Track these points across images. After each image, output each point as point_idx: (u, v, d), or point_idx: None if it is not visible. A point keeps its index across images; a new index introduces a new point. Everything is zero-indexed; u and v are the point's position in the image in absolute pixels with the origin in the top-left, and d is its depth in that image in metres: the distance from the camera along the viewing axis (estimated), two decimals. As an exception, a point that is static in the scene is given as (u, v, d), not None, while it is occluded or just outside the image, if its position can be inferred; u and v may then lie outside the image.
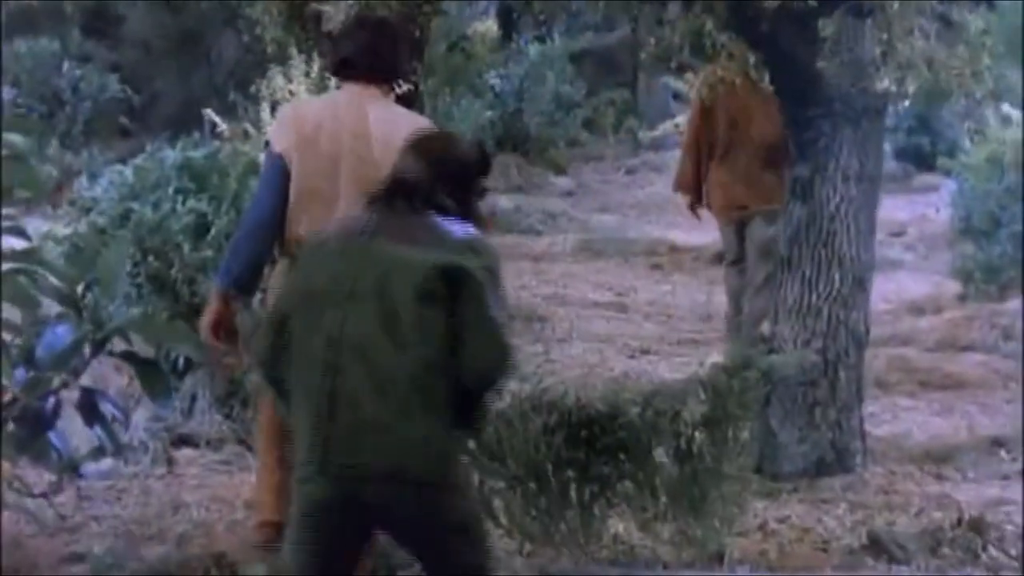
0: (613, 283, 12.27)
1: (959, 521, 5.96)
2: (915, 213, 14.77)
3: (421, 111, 7.49)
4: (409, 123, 4.86)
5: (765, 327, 7.04)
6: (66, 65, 18.47)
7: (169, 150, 7.88)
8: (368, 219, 3.99)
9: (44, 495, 3.02)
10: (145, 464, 6.91)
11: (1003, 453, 7.28)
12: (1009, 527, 6.05)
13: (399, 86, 5.46)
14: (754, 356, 5.95)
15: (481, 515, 4.13)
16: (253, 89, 10.60)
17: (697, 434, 5.67)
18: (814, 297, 6.86)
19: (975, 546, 5.83)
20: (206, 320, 4.98)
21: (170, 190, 7.51)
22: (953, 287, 11.09)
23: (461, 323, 3.79)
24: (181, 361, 7.14)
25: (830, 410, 6.85)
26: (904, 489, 6.71)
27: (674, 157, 17.27)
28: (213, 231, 7.36)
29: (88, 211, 7.71)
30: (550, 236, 14.36)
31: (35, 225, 6.82)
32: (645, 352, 9.70)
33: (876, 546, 5.92)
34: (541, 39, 19.72)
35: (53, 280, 2.70)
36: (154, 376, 2.80)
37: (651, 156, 19.32)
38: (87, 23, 19.99)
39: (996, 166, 10.76)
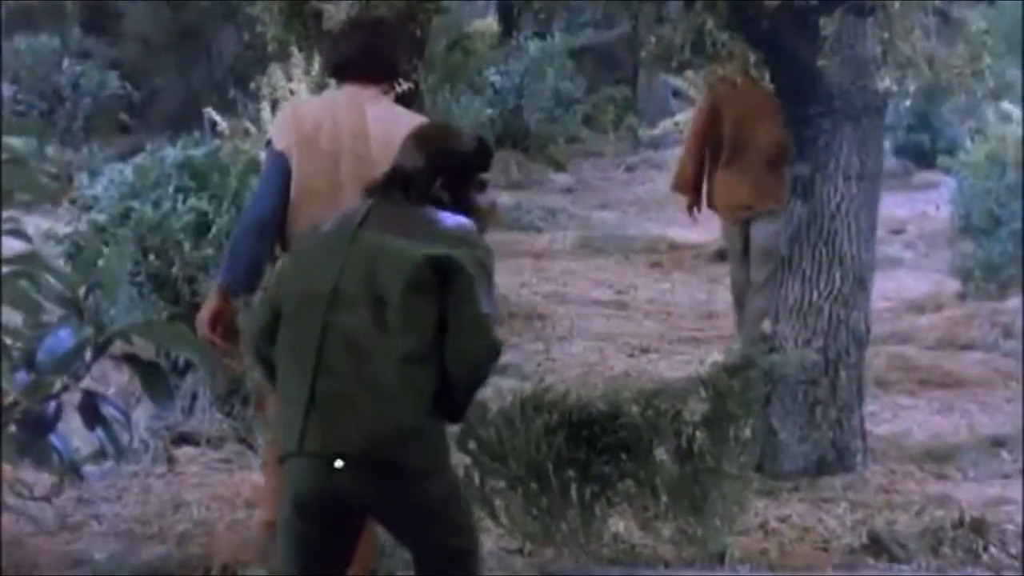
0: (613, 281, 12.28)
1: (960, 521, 5.95)
2: (915, 211, 14.77)
3: (421, 108, 7.49)
4: (408, 122, 4.87)
5: (766, 326, 7.04)
6: (66, 62, 18.47)
7: (169, 148, 7.88)
8: (364, 209, 4.03)
9: (46, 498, 3.02)
10: (146, 463, 6.91)
11: (1004, 453, 7.27)
12: (1010, 526, 6.04)
13: (399, 84, 5.47)
14: (755, 355, 5.95)
15: (464, 499, 4.14)
16: (253, 86, 10.60)
17: (698, 433, 5.67)
18: (815, 296, 6.86)
19: (976, 546, 5.82)
20: (204, 315, 5.00)
21: (170, 188, 7.51)
22: (953, 285, 11.09)
23: (449, 315, 3.83)
24: (181, 360, 7.14)
25: (831, 409, 6.85)
26: (904, 488, 6.71)
27: (674, 155, 17.26)
28: (214, 230, 7.36)
29: (88, 209, 7.70)
30: (550, 233, 14.36)
31: (36, 223, 6.83)
32: (645, 351, 9.69)
33: (877, 545, 5.92)
34: (541, 35, 19.72)
35: (55, 283, 2.69)
36: (156, 378, 2.79)
37: (651, 153, 19.34)
38: (87, 20, 19.99)
39: (996, 164, 10.74)
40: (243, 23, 16.39)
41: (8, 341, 2.65)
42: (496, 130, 17.94)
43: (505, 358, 9.01)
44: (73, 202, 7.91)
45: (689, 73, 13.47)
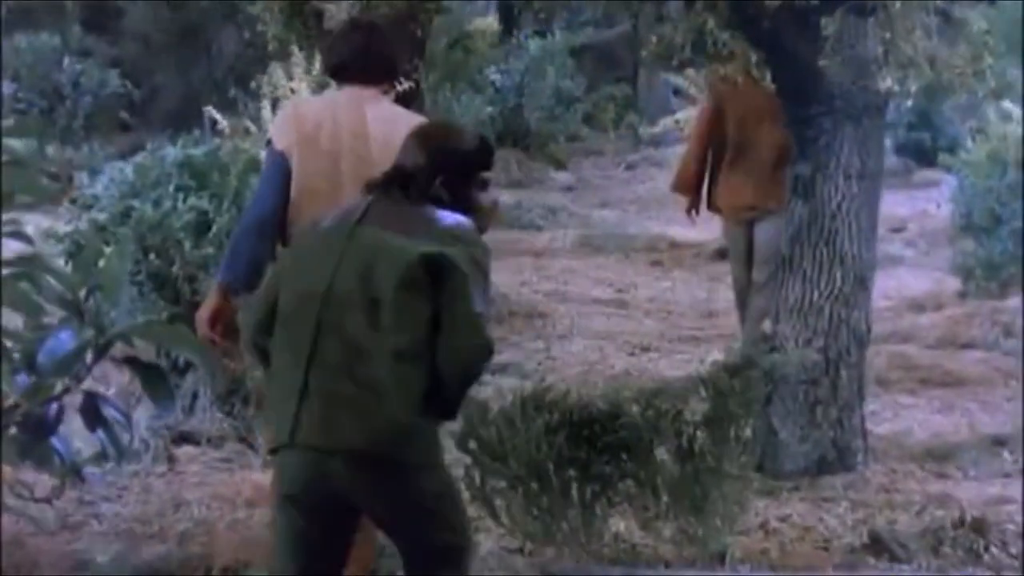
0: (613, 279, 12.28)
1: (961, 520, 5.95)
2: (916, 209, 14.77)
3: (422, 107, 7.50)
4: (408, 122, 4.88)
5: (767, 325, 7.04)
6: (66, 60, 18.46)
7: (170, 147, 7.87)
8: (363, 206, 4.04)
9: (47, 500, 3.02)
10: (146, 462, 6.90)
11: (1005, 452, 7.27)
12: (1010, 526, 6.04)
13: (400, 83, 5.47)
14: (756, 355, 5.95)
15: (457, 496, 4.14)
16: (253, 85, 10.59)
17: (699, 433, 5.68)
18: (815, 295, 6.85)
19: (976, 545, 5.82)
20: (204, 313, 5.01)
21: (171, 188, 7.51)
22: (953, 283, 11.09)
23: (442, 313, 3.84)
24: (182, 359, 7.13)
25: (831, 409, 6.85)
26: (905, 487, 6.70)
27: (674, 153, 17.30)
28: (214, 229, 7.36)
29: (89, 208, 7.70)
30: (550, 232, 14.36)
31: (36, 221, 6.82)
32: (645, 349, 9.69)
33: (877, 545, 5.91)
34: (541, 34, 19.71)
35: (55, 285, 2.69)
36: (157, 380, 2.79)
37: (651, 152, 19.35)
38: (87, 18, 20.00)
39: (997, 163, 10.74)
40: (243, 22, 16.39)
41: (9, 343, 2.65)
42: (496, 128, 17.94)
43: (505, 357, 9.12)
44: (73, 201, 7.91)
45: (690, 71, 13.46)
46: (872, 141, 6.94)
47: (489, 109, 18.00)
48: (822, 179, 6.85)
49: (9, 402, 2.65)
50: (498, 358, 9.04)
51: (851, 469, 6.85)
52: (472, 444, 5.62)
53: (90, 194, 7.76)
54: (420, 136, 4.19)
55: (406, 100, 6.55)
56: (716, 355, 8.53)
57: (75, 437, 3.02)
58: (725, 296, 10.99)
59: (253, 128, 8.73)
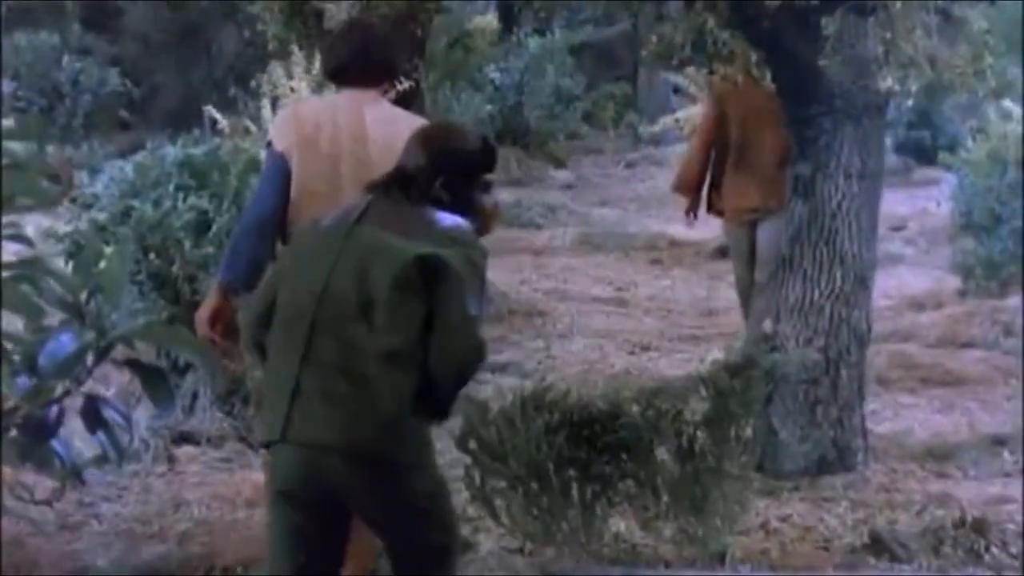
0: (613, 278, 12.27)
1: (961, 520, 5.94)
2: (915, 207, 14.76)
3: (421, 106, 7.50)
4: (408, 124, 4.90)
5: (767, 325, 7.03)
6: (66, 58, 18.47)
7: (170, 147, 7.87)
8: (362, 205, 4.05)
9: (47, 502, 3.02)
10: (146, 462, 6.90)
11: (1005, 451, 7.26)
12: (1010, 526, 6.03)
13: (400, 82, 5.48)
14: (756, 354, 5.94)
15: (447, 497, 4.14)
16: (253, 84, 10.59)
17: (699, 433, 5.67)
18: (816, 295, 6.85)
19: (977, 546, 5.82)
20: (203, 313, 5.01)
21: (171, 187, 7.51)
22: (953, 282, 11.08)
23: (436, 315, 3.85)
24: (182, 359, 7.13)
25: (832, 408, 6.85)
26: (906, 487, 6.70)
27: (674, 151, 17.29)
28: (214, 228, 7.36)
29: (89, 208, 7.70)
30: (550, 230, 14.35)
31: (36, 221, 6.82)
32: (645, 348, 9.69)
33: (878, 545, 5.91)
34: (541, 32, 19.71)
35: (56, 287, 2.69)
36: (158, 382, 2.79)
37: (651, 150, 19.34)
38: (87, 16, 19.99)
39: (997, 162, 10.74)
40: (243, 21, 16.38)
41: (9, 346, 2.65)
42: (496, 127, 17.93)
43: (505, 355, 9.12)
44: (73, 200, 7.90)
45: (690, 70, 13.44)
46: (872, 141, 6.94)
47: (489, 107, 17.99)
48: (822, 179, 6.85)
49: (9, 404, 2.64)
50: (498, 357, 9.07)
51: (851, 469, 6.84)
52: (472, 444, 5.61)
53: (90, 193, 7.76)
54: (422, 137, 4.19)
55: (406, 99, 6.56)
56: (716, 354, 8.52)
57: (75, 437, 3.02)
58: (725, 295, 11.01)
59: (253, 128, 8.73)
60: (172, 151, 7.74)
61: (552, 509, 5.60)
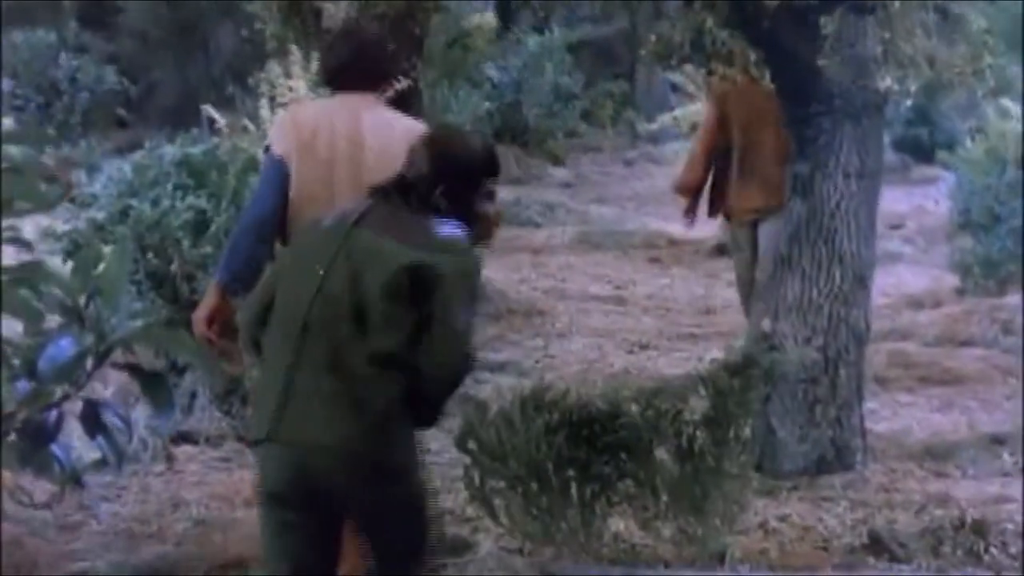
0: (612, 276, 12.26)
1: (960, 521, 5.94)
2: (913, 205, 14.76)
3: (420, 104, 7.49)
4: (404, 127, 4.96)
5: (766, 324, 7.02)
6: (63, 56, 18.45)
7: (168, 146, 7.87)
8: (361, 208, 4.05)
9: (47, 505, 3.02)
10: (144, 461, 6.90)
11: (1003, 451, 7.26)
12: (1009, 526, 6.03)
13: (398, 81, 5.48)
14: (757, 354, 5.94)
15: (427, 496, 4.16)
16: (251, 82, 10.56)
17: (698, 433, 5.67)
18: (815, 294, 6.85)
19: (977, 547, 5.81)
20: (201, 313, 5.03)
21: (169, 187, 7.51)
22: (952, 280, 11.07)
23: (425, 323, 3.85)
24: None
25: (830, 408, 6.84)
26: (904, 487, 6.70)
27: (672, 150, 17.31)
28: (212, 228, 7.36)
29: (87, 207, 7.69)
30: (548, 228, 14.34)
31: (35, 220, 6.80)
32: (644, 347, 9.68)
33: (877, 545, 5.91)
34: (539, 30, 19.69)
35: (55, 291, 2.69)
36: (157, 387, 2.79)
37: (649, 148, 19.34)
38: (84, 14, 19.97)
39: (995, 160, 10.73)
40: (241, 19, 16.36)
41: (8, 350, 2.64)
42: (495, 125, 17.92)
43: (504, 355, 9.12)
44: (72, 200, 7.90)
45: (688, 68, 13.43)
46: (871, 140, 6.93)
47: (487, 105, 17.96)
48: (821, 178, 6.85)
49: (9, 409, 2.64)
50: (496, 356, 9.08)
51: (850, 468, 6.84)
52: (471, 444, 5.61)
53: (88, 193, 7.76)
54: (427, 144, 4.18)
55: (404, 98, 6.55)
56: (715, 352, 8.53)
57: (74, 438, 3.01)
58: (723, 293, 11.01)
59: (251, 127, 8.72)
60: (170, 150, 7.75)
61: (551, 509, 5.60)
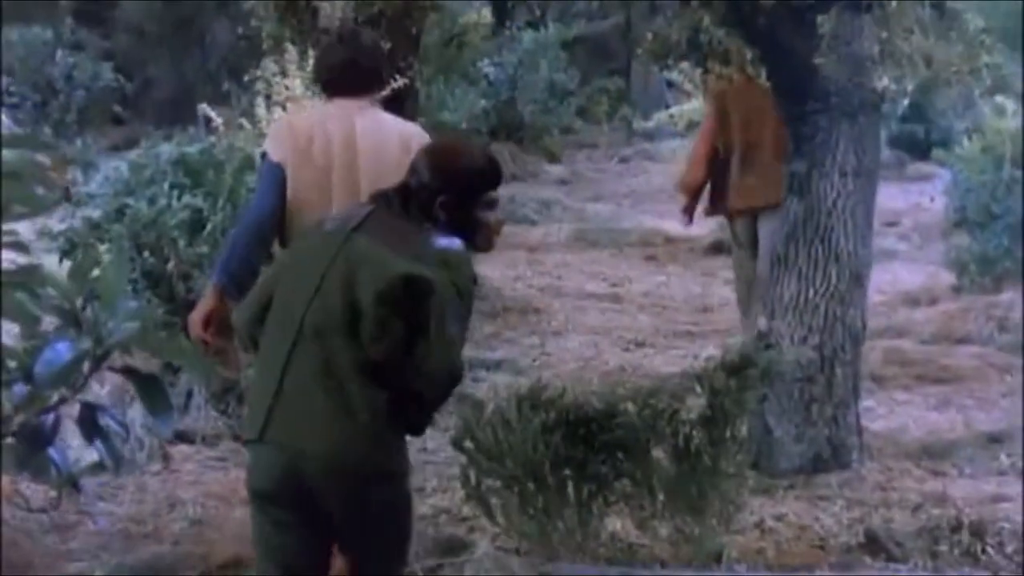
0: (608, 274, 12.26)
1: (957, 520, 5.94)
2: (909, 202, 14.74)
3: (415, 101, 7.49)
4: (398, 131, 5.02)
5: (762, 323, 7.02)
6: (59, 53, 18.42)
7: (164, 145, 7.87)
8: (362, 214, 4.05)
9: (43, 510, 3.01)
10: (141, 460, 6.89)
11: (1000, 449, 7.25)
12: (1006, 525, 6.02)
13: (395, 80, 5.50)
14: (753, 353, 5.94)
15: (409, 506, 4.15)
16: (247, 78, 10.55)
17: (695, 432, 5.67)
18: (811, 293, 6.84)
19: (973, 545, 5.81)
20: (197, 315, 5.04)
21: (165, 185, 7.51)
22: (947, 277, 11.06)
23: (417, 334, 3.86)
24: (178, 359, 7.11)
25: (826, 406, 6.85)
26: (901, 485, 6.70)
27: (669, 147, 17.29)
28: (209, 227, 7.36)
29: (83, 205, 7.69)
30: (544, 226, 14.34)
31: (31, 219, 6.79)
32: (640, 345, 9.68)
33: (873, 544, 5.91)
34: (534, 26, 19.68)
35: (52, 293, 2.68)
36: (155, 392, 2.78)
37: (645, 145, 19.32)
38: (80, 11, 19.94)
39: (991, 157, 10.73)
40: (237, 16, 16.35)
41: (5, 354, 2.64)
42: (490, 122, 17.91)
43: (500, 353, 9.13)
44: (68, 198, 7.89)
45: (684, 65, 13.42)
46: (868, 138, 6.93)
47: (483, 102, 17.94)
48: (818, 176, 6.85)
49: (6, 412, 2.64)
50: (492, 354, 9.09)
51: (846, 467, 6.85)
52: (468, 444, 5.62)
53: (84, 192, 7.75)
54: (429, 154, 4.18)
55: (400, 97, 6.56)
56: (711, 350, 8.54)
57: (71, 437, 3.01)
58: (719, 291, 11.01)
59: (247, 125, 8.72)
60: (167, 149, 7.74)
61: (548, 509, 5.60)
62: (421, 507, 6.14)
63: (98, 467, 2.80)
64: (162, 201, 7.42)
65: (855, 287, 6.92)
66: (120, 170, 7.68)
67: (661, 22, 7.04)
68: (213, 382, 7.15)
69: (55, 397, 2.68)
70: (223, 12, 18.72)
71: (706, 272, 12.07)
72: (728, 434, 5.75)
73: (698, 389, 5.75)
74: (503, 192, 4.22)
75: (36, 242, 7.31)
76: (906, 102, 11.29)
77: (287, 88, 8.53)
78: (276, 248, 5.17)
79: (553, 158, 18.69)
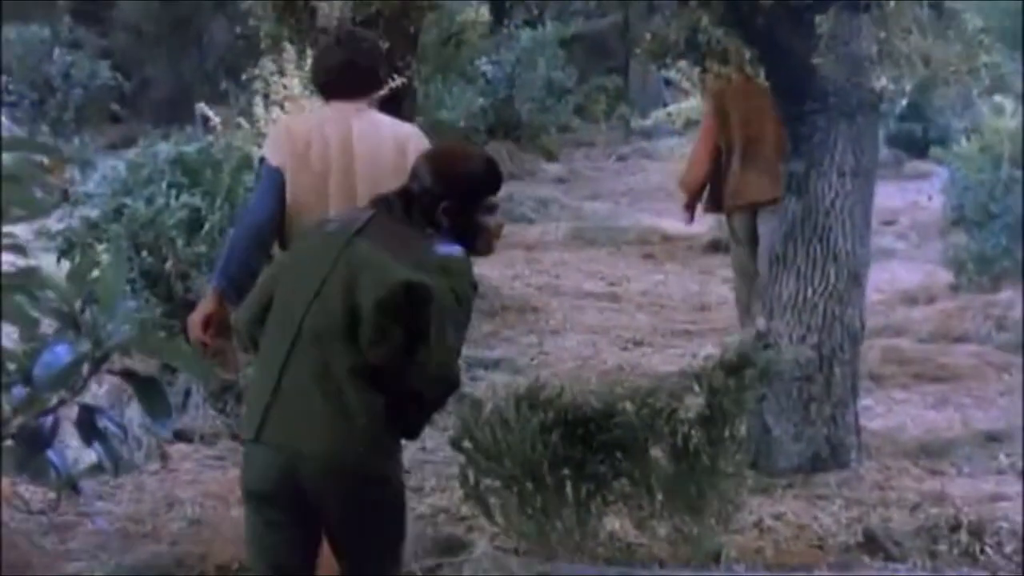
0: (605, 272, 12.25)
1: (956, 519, 5.94)
2: (907, 200, 14.73)
3: (413, 100, 7.49)
4: (393, 133, 5.03)
5: (760, 322, 7.02)
6: (57, 52, 18.41)
7: (162, 144, 7.87)
8: (364, 218, 4.04)
9: (43, 512, 3.01)
10: (139, 460, 6.89)
11: (998, 448, 7.25)
12: (1005, 524, 6.02)
13: (393, 79, 5.50)
14: (751, 353, 5.94)
15: (403, 508, 4.14)
16: (245, 77, 10.54)
17: (693, 432, 5.67)
18: (809, 292, 6.85)
19: (972, 544, 5.81)
20: (196, 317, 5.04)
21: (163, 185, 7.51)
22: (945, 276, 11.06)
23: (415, 340, 3.86)
24: (177, 359, 7.11)
25: (825, 406, 6.85)
26: (899, 484, 6.70)
27: (667, 145, 17.27)
28: (207, 226, 7.36)
29: (81, 205, 7.69)
30: (542, 224, 14.33)
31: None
32: (638, 344, 9.68)
33: (872, 543, 5.91)
34: (532, 25, 19.67)
35: (51, 295, 2.68)
36: (154, 394, 2.78)
37: (643, 143, 19.31)
38: (78, 9, 19.94)
39: (989, 157, 10.73)
40: (234, 15, 16.35)
41: (4, 356, 2.64)
42: (488, 120, 17.91)
43: (498, 352, 9.13)
44: (66, 198, 7.90)
45: (682, 64, 13.42)
46: (866, 138, 6.94)
47: (480, 100, 17.93)
48: (816, 176, 6.85)
49: (5, 415, 2.64)
50: (491, 353, 9.09)
51: (845, 466, 6.85)
52: (467, 443, 5.62)
53: (82, 191, 7.75)
54: (430, 160, 4.18)
55: (398, 96, 6.55)
56: (709, 349, 8.53)
57: (70, 438, 3.01)
58: (717, 290, 11.01)
59: (245, 124, 8.72)
60: (165, 148, 7.74)
61: (546, 508, 5.60)
62: (419, 507, 6.14)
63: (97, 469, 2.80)
64: (160, 200, 7.42)
65: (853, 286, 6.92)
66: (118, 169, 7.68)
67: (659, 21, 7.04)
68: (212, 380, 7.15)
69: (54, 399, 2.68)
70: (221, 11, 18.72)
71: (704, 270, 12.07)
72: (727, 433, 5.75)
73: (696, 388, 5.74)
74: (501, 191, 4.22)
75: (34, 242, 7.32)
76: (904, 101, 11.29)
77: (285, 87, 8.52)
78: (275, 250, 5.17)
79: (551, 156, 18.69)
